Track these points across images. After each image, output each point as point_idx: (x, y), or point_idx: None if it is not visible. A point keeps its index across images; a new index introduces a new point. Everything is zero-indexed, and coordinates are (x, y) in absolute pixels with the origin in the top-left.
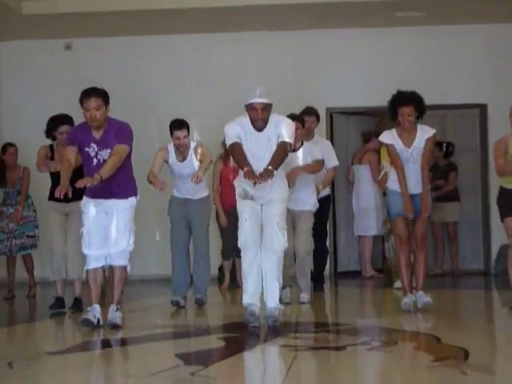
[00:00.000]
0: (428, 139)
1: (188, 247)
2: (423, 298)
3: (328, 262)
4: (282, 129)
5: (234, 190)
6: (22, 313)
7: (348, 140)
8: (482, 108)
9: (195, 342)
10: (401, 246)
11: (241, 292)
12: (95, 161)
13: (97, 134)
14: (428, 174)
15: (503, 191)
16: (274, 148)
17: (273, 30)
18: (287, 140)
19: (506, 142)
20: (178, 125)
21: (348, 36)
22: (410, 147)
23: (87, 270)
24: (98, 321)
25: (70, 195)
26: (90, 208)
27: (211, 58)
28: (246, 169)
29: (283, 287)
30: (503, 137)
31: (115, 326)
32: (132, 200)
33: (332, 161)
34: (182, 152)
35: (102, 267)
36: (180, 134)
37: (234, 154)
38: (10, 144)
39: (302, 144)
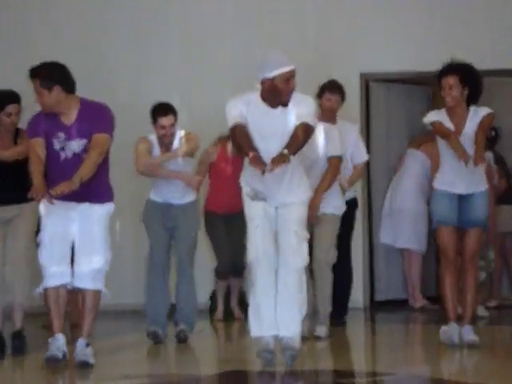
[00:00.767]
0: (482, 118)
1: (168, 266)
2: (469, 335)
3: (362, 288)
4: (303, 107)
5: (230, 186)
6: None
7: (389, 118)
8: None
9: None
10: (446, 262)
11: (240, 322)
12: (62, 155)
13: (66, 120)
14: (483, 143)
15: None
16: (291, 131)
17: None
18: (310, 122)
19: None
20: (163, 110)
21: None
22: (461, 134)
23: (45, 289)
24: (64, 355)
25: (47, 199)
26: (54, 211)
27: (200, 6)
28: (251, 154)
29: None
30: None
31: (86, 365)
32: (109, 206)
33: (359, 154)
34: (166, 144)
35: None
36: (166, 121)
37: (235, 138)
38: None
39: None
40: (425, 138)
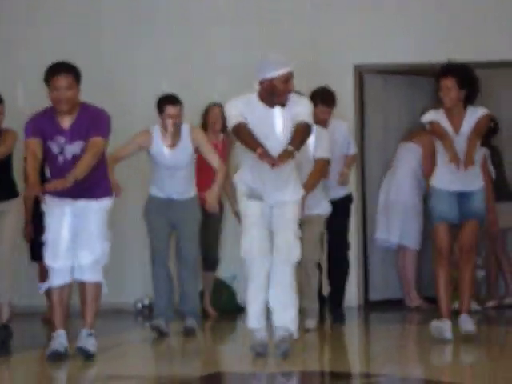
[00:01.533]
0: (478, 119)
1: (168, 255)
2: (466, 323)
3: (356, 288)
4: (300, 107)
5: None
6: None
7: (386, 113)
8: None
9: None
10: (440, 259)
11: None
12: (61, 158)
13: (65, 123)
14: (475, 146)
15: None
16: (290, 130)
17: None
18: (307, 120)
19: None
20: (171, 100)
21: None
22: (458, 134)
23: (50, 288)
24: (66, 350)
25: (41, 197)
26: (55, 210)
27: (200, 6)
28: (259, 150)
29: None
30: None
31: (88, 355)
32: (106, 201)
33: (350, 146)
34: (173, 135)
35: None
36: (173, 110)
37: (239, 135)
38: None
39: None
40: (421, 132)
